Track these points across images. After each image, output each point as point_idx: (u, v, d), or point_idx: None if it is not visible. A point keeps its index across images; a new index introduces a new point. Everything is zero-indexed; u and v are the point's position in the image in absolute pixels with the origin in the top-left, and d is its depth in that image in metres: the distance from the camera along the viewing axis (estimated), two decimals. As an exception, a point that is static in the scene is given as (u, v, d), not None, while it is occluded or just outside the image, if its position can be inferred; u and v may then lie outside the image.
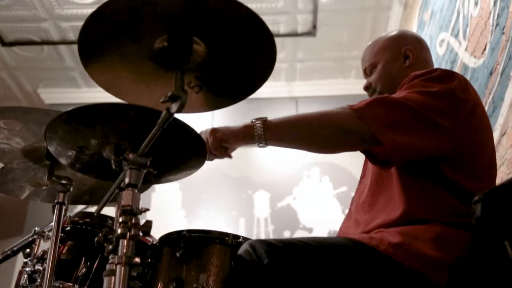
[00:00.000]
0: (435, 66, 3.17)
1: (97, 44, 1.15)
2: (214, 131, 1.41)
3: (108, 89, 1.27)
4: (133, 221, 1.07)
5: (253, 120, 1.36)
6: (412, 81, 1.39)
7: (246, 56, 1.21)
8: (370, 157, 1.33)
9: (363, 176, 1.59)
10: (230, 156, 1.45)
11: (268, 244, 1.17)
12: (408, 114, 1.29)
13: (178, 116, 1.15)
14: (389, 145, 1.25)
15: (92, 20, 1.08)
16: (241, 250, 1.20)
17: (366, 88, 1.66)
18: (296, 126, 1.36)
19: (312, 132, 1.35)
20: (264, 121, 1.34)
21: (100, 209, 1.33)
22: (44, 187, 1.79)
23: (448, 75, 1.39)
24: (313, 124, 1.34)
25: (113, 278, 1.04)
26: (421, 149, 1.29)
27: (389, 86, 1.58)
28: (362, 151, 1.35)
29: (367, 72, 1.65)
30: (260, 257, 1.14)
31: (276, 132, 1.35)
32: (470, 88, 1.42)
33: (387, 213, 1.33)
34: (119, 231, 1.06)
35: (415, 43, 1.65)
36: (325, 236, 1.45)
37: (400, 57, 1.60)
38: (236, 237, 1.39)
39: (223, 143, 1.40)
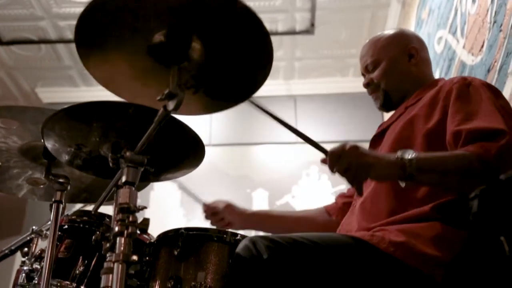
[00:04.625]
0: (434, 64, 3.19)
1: (94, 35, 1.14)
2: (361, 155, 1.23)
3: (105, 84, 1.26)
4: (130, 219, 1.07)
5: (402, 157, 1.22)
6: (462, 98, 1.37)
7: (243, 56, 1.21)
8: None
9: None
10: (361, 194, 1.30)
11: (268, 240, 1.17)
12: None
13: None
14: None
15: (90, 11, 1.07)
16: (241, 245, 1.20)
17: (367, 84, 1.65)
18: (440, 175, 1.26)
19: (452, 183, 1.27)
20: (417, 161, 1.21)
21: (98, 207, 1.33)
22: (41, 186, 1.79)
23: (492, 87, 1.42)
24: (455, 176, 1.26)
25: (110, 276, 1.04)
26: None
27: (394, 83, 1.61)
28: None
29: (368, 69, 1.64)
30: (260, 252, 1.14)
31: (421, 177, 1.24)
32: None
33: (390, 212, 1.33)
34: (116, 229, 1.06)
35: (417, 42, 1.67)
36: (326, 233, 1.45)
37: (404, 55, 1.61)
38: (234, 234, 1.39)
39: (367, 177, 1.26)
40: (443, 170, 1.25)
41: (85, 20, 1.09)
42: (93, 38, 1.15)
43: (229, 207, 1.84)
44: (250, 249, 1.16)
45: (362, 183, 1.26)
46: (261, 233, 1.70)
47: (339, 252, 1.21)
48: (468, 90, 1.38)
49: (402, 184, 1.23)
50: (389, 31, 1.70)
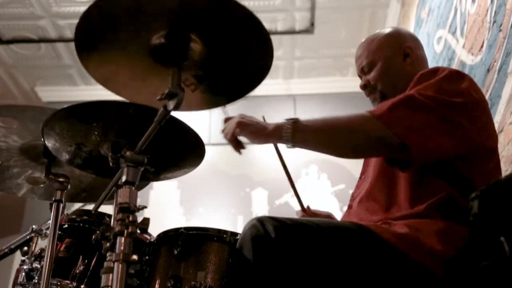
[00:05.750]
0: (433, 63, 3.19)
1: (94, 37, 1.13)
2: (239, 123, 1.38)
3: (104, 83, 1.25)
4: (130, 218, 1.07)
5: (285, 120, 1.34)
6: (422, 80, 1.38)
7: (243, 55, 1.20)
8: (391, 160, 1.33)
9: (363, 172, 1.59)
10: (239, 152, 1.44)
11: (277, 220, 1.19)
12: (433, 115, 1.27)
13: (176, 113, 1.15)
14: (416, 150, 1.24)
15: (90, 13, 1.07)
16: (248, 224, 1.21)
17: (364, 86, 1.63)
18: (323, 131, 1.35)
19: (338, 138, 1.34)
20: (294, 122, 1.33)
21: (98, 206, 1.33)
22: (41, 185, 1.79)
23: (459, 75, 1.39)
24: (340, 131, 1.33)
25: (110, 275, 1.04)
26: (446, 150, 1.28)
27: (390, 84, 1.58)
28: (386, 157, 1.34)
29: (364, 70, 1.63)
30: (267, 231, 1.16)
31: (304, 135, 1.33)
32: (479, 88, 1.43)
33: (392, 209, 1.34)
34: (116, 228, 1.06)
35: (412, 41, 1.65)
36: (334, 220, 1.46)
37: (399, 54, 1.59)
38: (234, 234, 1.39)
39: (240, 133, 1.39)
40: (332, 129, 1.34)
41: (84, 22, 1.08)
42: (93, 40, 1.14)
43: (330, 216, 1.79)
44: (258, 228, 1.17)
45: (236, 142, 1.41)
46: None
47: (344, 238, 1.22)
48: (425, 77, 1.39)
49: (288, 147, 1.34)
50: (383, 30, 1.68)
